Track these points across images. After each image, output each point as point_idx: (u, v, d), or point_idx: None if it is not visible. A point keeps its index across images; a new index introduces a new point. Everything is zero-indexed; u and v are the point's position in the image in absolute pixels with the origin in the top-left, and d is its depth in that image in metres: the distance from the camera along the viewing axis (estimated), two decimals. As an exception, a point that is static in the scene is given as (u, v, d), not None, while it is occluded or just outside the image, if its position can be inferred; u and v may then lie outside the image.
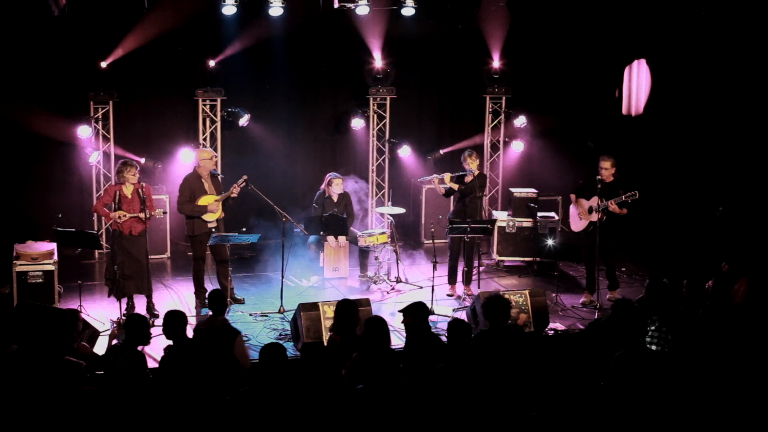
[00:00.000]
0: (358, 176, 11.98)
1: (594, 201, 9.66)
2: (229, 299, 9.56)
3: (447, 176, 10.11)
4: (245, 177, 9.37)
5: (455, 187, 10.07)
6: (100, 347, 7.80)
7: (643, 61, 12.29)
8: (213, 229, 9.38)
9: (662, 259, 11.18)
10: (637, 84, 12.38)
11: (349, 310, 7.13)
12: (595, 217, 9.62)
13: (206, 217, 9.35)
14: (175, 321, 6.61)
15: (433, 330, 8.69)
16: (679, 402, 5.74)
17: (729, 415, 5.69)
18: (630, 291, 10.20)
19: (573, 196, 10.07)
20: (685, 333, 6.86)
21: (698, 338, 6.74)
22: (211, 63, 11.59)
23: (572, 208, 10.09)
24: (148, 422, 5.72)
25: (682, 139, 11.30)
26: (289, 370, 5.75)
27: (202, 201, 9.36)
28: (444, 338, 8.55)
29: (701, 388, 5.94)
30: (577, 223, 9.98)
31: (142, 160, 11.22)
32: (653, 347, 6.90)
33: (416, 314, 6.86)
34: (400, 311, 7.01)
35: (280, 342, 7.00)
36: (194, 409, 5.80)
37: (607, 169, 9.59)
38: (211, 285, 9.76)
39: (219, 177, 9.61)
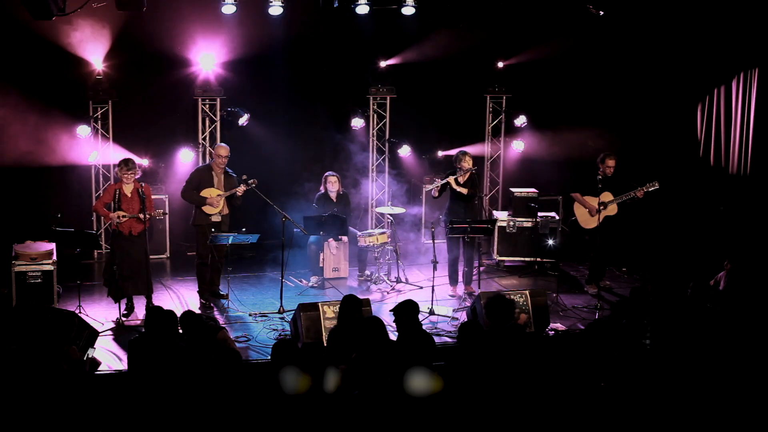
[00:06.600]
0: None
1: (605, 196, 9.89)
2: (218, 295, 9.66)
3: (452, 180, 9.98)
4: (254, 180, 9.45)
5: (464, 191, 9.98)
6: (101, 349, 7.79)
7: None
8: (214, 223, 9.42)
9: (664, 259, 11.15)
10: None
11: (353, 306, 7.10)
12: (612, 211, 9.94)
13: (207, 209, 9.42)
14: (189, 321, 6.67)
15: (434, 329, 8.75)
16: (679, 402, 5.72)
17: (730, 413, 5.67)
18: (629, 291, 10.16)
19: (578, 195, 10.12)
20: (691, 333, 6.87)
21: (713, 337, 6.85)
22: (210, 62, 11.56)
23: (578, 207, 10.13)
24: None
25: (682, 139, 11.28)
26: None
27: (205, 192, 9.42)
28: (445, 338, 8.58)
29: (705, 387, 5.92)
30: (589, 221, 10.00)
31: (145, 162, 11.20)
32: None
33: (404, 312, 6.83)
34: (390, 311, 6.97)
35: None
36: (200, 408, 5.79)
37: (612, 167, 9.95)
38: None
39: (232, 175, 9.62)
